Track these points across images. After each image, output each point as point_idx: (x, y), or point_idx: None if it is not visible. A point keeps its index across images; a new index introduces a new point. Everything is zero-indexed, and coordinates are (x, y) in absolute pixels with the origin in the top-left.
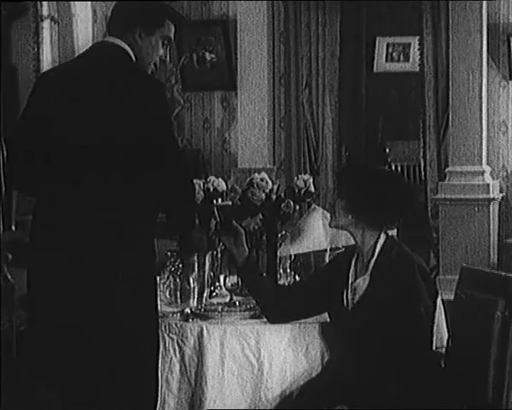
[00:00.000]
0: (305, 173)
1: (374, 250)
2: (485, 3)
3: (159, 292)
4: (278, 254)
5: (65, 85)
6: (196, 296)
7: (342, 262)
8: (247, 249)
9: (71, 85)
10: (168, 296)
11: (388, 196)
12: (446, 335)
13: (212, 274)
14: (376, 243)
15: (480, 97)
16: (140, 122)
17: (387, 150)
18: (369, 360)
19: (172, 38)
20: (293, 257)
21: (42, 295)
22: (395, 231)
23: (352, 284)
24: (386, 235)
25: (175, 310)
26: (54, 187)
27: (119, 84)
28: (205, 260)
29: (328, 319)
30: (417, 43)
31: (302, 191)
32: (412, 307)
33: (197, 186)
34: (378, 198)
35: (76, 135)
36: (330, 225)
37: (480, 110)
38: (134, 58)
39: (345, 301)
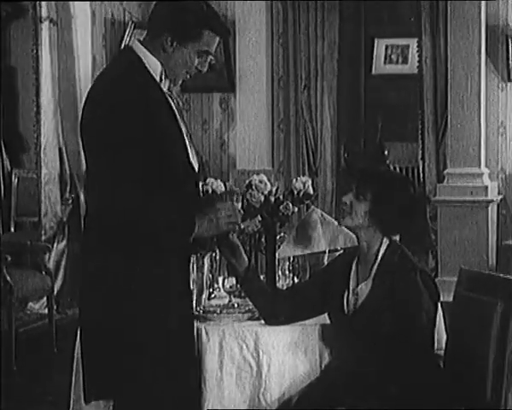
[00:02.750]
0: (303, 175)
1: (377, 254)
2: (483, 5)
3: None
4: (277, 256)
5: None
6: (195, 298)
7: (342, 264)
8: (246, 259)
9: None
10: None
11: (415, 204)
12: (445, 336)
13: (210, 276)
14: (380, 246)
15: (479, 99)
16: (136, 125)
17: (386, 152)
18: (370, 362)
19: (213, 50)
20: (291, 259)
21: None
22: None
23: (354, 288)
24: (390, 239)
25: None
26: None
27: (113, 91)
28: (203, 261)
29: (328, 321)
30: (416, 45)
31: (301, 193)
32: (413, 313)
33: None
34: (408, 206)
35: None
36: (340, 224)
37: (479, 112)
38: (161, 67)
39: (346, 304)
